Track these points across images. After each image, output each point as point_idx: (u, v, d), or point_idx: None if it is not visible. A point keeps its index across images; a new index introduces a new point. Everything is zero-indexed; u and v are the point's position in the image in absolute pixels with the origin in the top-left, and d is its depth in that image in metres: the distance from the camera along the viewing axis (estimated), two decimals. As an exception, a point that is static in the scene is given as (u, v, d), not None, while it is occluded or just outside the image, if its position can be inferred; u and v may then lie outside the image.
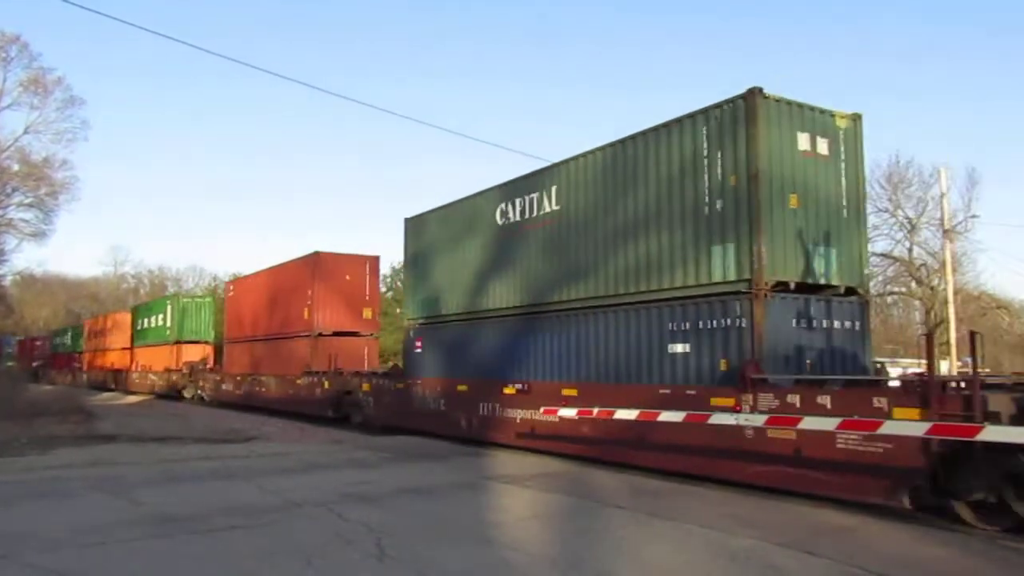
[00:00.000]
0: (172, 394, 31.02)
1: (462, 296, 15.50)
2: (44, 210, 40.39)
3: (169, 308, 33.10)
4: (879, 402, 7.87)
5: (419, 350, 16.85)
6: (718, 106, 10.08)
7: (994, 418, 7.00)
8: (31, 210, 40.35)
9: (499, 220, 14.43)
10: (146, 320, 35.61)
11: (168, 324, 32.72)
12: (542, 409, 12.28)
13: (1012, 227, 65.61)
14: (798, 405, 8.58)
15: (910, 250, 36.48)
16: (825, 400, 8.37)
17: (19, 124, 39.35)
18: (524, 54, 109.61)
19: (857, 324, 10.42)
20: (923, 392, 7.57)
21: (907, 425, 7.48)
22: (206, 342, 32.21)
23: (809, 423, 8.17)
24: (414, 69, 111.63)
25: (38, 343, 59.94)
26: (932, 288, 34.43)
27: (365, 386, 18.65)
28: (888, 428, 7.50)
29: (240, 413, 24.15)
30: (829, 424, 8.00)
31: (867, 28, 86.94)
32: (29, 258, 54.90)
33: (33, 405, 20.97)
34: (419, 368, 16.78)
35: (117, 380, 38.65)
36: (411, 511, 7.98)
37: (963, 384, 7.70)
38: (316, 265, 22.18)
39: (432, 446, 14.33)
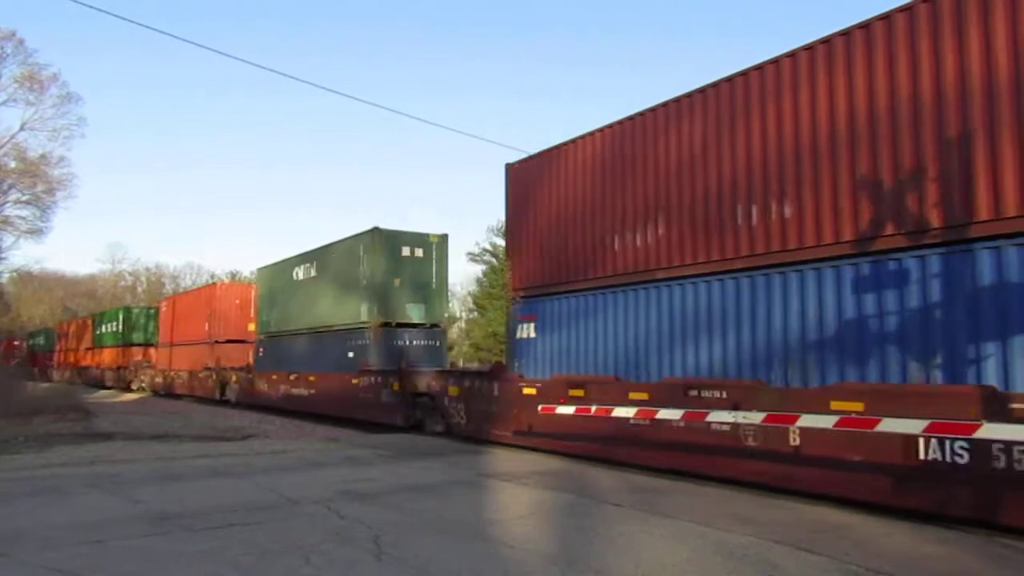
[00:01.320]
0: (121, 385, 38.37)
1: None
2: (41, 207, 40.40)
3: (120, 317, 40.21)
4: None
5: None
6: (361, 235, 19.05)
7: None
8: (28, 207, 40.36)
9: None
10: (104, 326, 42.42)
11: (119, 330, 39.54)
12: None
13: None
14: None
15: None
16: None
17: (15, 121, 39.33)
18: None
19: (436, 342, 19.38)
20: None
21: (900, 423, 7.51)
22: (149, 344, 37.85)
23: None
24: (418, 71, 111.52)
25: (16, 343, 64.29)
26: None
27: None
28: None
29: (239, 411, 24.14)
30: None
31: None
32: (26, 255, 54.92)
33: (31, 403, 20.96)
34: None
35: (81, 374, 46.00)
36: (409, 509, 7.98)
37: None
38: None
39: (430, 444, 14.33)
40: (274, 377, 23.13)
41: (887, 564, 5.92)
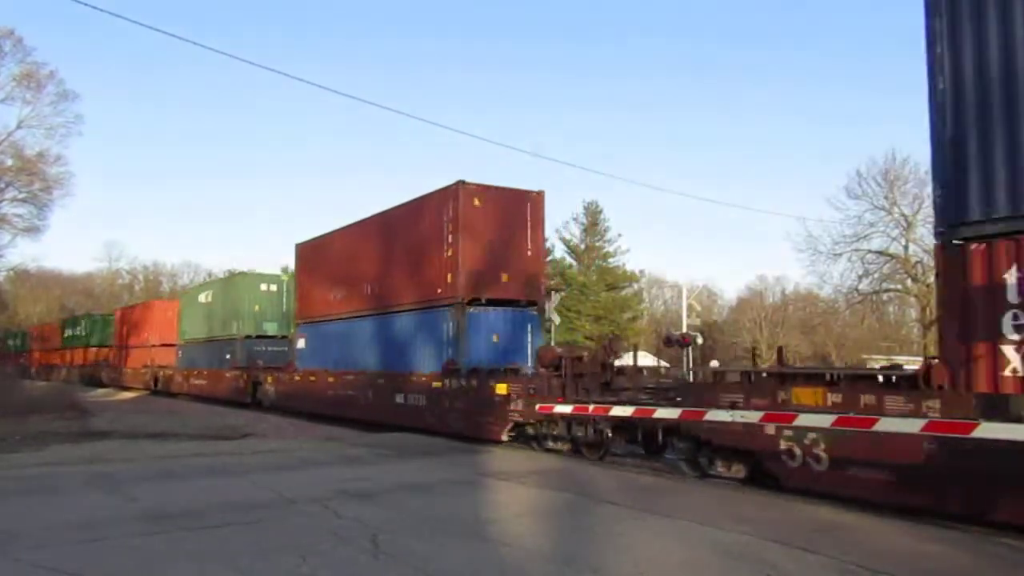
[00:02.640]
0: (87, 380, 43.86)
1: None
2: (38, 205, 40.23)
3: (83, 322, 47.48)
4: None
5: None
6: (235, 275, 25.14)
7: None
8: (24, 205, 40.19)
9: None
10: (70, 330, 49.77)
11: (83, 333, 46.55)
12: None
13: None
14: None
15: (906, 247, 36.62)
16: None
17: (12, 119, 39.00)
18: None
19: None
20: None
21: (896, 422, 7.51)
22: (108, 346, 43.80)
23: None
24: (414, 64, 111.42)
25: None
26: (928, 285, 34.53)
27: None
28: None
29: (236, 410, 24.11)
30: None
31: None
32: (23, 254, 55.13)
33: (28, 401, 20.93)
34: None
35: (50, 372, 51.88)
36: (406, 507, 7.97)
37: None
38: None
39: (427, 443, 14.32)
40: (188, 373, 31.85)
41: (885, 563, 5.92)
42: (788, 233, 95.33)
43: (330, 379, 20.11)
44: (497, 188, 15.93)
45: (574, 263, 52.70)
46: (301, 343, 22.40)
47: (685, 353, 19.44)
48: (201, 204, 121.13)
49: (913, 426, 7.39)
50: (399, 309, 17.54)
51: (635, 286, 55.35)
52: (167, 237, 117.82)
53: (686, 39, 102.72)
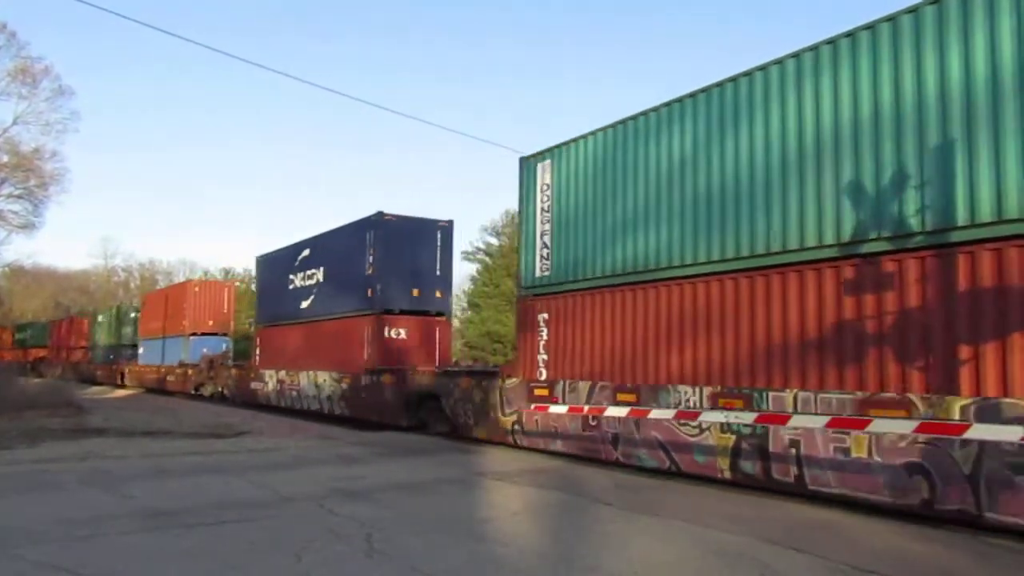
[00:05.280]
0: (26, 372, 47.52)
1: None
2: (33, 202, 40.31)
3: (29, 329, 57.53)
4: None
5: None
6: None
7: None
8: (20, 201, 40.25)
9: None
10: (20, 334, 59.21)
11: (28, 337, 56.35)
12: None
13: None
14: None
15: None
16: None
17: (8, 114, 39.15)
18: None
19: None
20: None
21: (890, 423, 7.57)
22: (42, 346, 53.05)
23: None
24: (405, 65, 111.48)
25: None
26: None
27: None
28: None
29: (231, 408, 24.12)
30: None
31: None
32: (19, 250, 55.14)
33: (23, 398, 20.89)
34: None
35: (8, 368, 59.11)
36: (401, 506, 8.00)
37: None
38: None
39: (422, 442, 14.36)
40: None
41: (877, 563, 5.97)
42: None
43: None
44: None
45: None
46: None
47: None
48: (198, 202, 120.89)
49: (907, 427, 7.46)
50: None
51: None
52: (164, 235, 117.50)
53: (686, 39, 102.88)
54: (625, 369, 11.29)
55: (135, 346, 35.97)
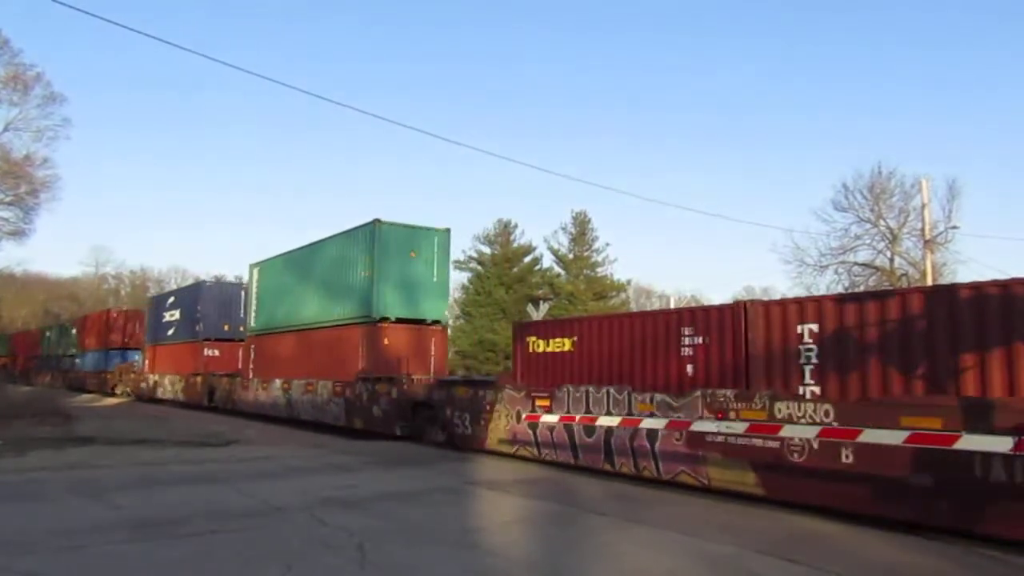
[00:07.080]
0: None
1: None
2: (24, 208, 39.99)
3: None
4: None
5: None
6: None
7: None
8: (10, 208, 39.93)
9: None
10: None
11: None
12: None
13: (992, 239, 66.46)
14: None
15: (891, 260, 36.86)
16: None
17: (-2, 121, 38.79)
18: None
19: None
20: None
21: (885, 434, 7.60)
22: (4, 356, 59.87)
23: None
24: (401, 76, 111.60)
25: None
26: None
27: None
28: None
29: (220, 416, 23.96)
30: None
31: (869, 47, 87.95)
32: (9, 257, 54.69)
33: (11, 406, 20.70)
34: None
35: None
36: (393, 516, 7.95)
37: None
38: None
39: (414, 451, 14.28)
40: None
41: (868, 573, 5.97)
42: (775, 244, 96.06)
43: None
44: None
45: (562, 272, 52.82)
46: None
47: None
48: (189, 210, 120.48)
49: (898, 437, 7.48)
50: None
51: (623, 295, 55.50)
52: (155, 243, 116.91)
53: (686, 39, 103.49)
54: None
55: (74, 356, 43.67)
